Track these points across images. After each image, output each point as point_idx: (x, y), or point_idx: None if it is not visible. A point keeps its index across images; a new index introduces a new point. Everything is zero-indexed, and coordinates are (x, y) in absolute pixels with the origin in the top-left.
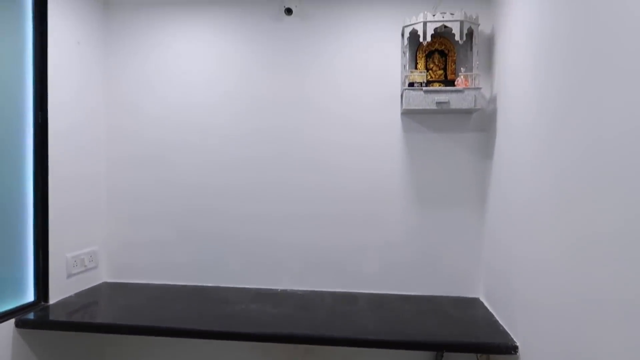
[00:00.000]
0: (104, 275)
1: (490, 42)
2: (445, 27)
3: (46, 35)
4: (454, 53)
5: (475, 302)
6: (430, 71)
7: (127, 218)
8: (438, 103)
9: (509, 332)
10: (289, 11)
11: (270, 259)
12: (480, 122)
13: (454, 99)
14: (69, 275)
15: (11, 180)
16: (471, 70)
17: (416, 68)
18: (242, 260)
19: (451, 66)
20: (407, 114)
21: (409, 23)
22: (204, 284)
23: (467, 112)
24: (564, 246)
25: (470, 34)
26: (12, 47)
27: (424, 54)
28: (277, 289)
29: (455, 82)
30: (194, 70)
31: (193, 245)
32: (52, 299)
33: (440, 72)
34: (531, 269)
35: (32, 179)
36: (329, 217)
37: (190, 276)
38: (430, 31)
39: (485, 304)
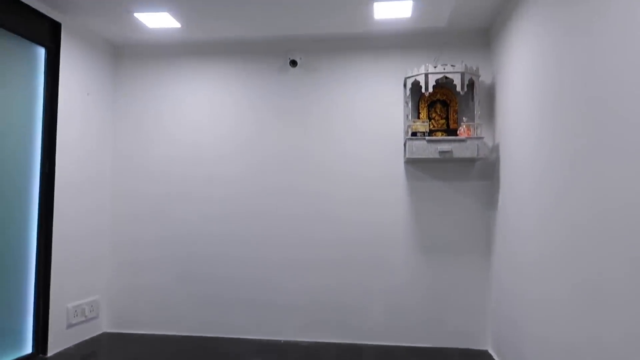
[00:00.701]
0: (104, 325)
1: (491, 92)
2: (447, 78)
3: (57, 86)
4: (456, 103)
5: (484, 356)
6: (432, 120)
7: (129, 268)
8: (441, 152)
9: None
10: (293, 63)
11: (273, 308)
12: (483, 170)
13: (457, 148)
14: (69, 326)
15: (15, 229)
16: (473, 119)
17: (419, 117)
18: (244, 310)
19: (453, 115)
20: (410, 162)
21: (410, 74)
22: (206, 335)
23: (470, 161)
24: (573, 297)
25: (471, 85)
26: (24, 97)
27: (426, 104)
28: (280, 340)
29: (458, 132)
30: (199, 122)
31: (195, 296)
32: (51, 351)
33: (443, 121)
34: (541, 320)
35: (36, 228)
36: (333, 266)
37: (192, 327)
38: (432, 82)
39: (495, 357)
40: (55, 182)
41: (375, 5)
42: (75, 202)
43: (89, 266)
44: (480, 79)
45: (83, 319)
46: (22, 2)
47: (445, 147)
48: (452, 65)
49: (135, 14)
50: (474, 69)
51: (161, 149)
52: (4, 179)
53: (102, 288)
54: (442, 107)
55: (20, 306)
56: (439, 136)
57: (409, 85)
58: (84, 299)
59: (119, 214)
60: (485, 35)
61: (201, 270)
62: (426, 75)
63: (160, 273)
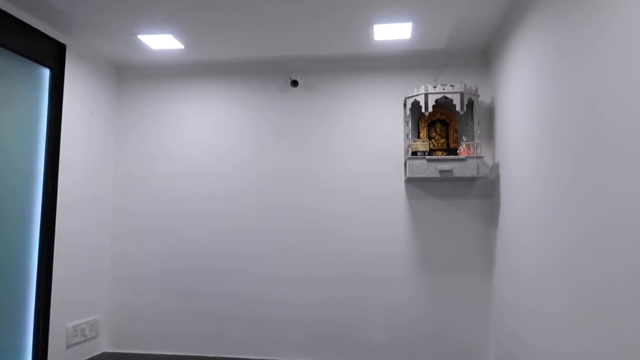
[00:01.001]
0: (104, 344)
1: (490, 112)
2: (446, 98)
3: (61, 106)
4: (456, 122)
5: None
6: (432, 140)
7: (130, 285)
8: (441, 171)
9: None
10: (294, 83)
11: (274, 325)
12: (484, 189)
13: (457, 168)
14: (69, 346)
15: (17, 248)
16: (473, 139)
17: (419, 137)
18: (245, 329)
19: (453, 135)
20: (411, 181)
21: (410, 94)
22: (207, 355)
23: (470, 180)
24: (574, 310)
25: (470, 105)
26: (28, 117)
27: (426, 124)
28: None
29: (458, 151)
30: (201, 140)
31: (195, 313)
32: None
33: (443, 140)
34: (543, 334)
35: (37, 246)
36: (334, 283)
37: (192, 346)
38: (431, 102)
39: None
40: (57, 200)
41: (376, 27)
42: (77, 220)
43: (90, 283)
44: (479, 98)
45: (83, 338)
46: (30, 25)
47: (445, 166)
48: (451, 86)
49: (139, 36)
50: (473, 89)
51: (163, 167)
52: (8, 197)
53: (102, 306)
54: (442, 126)
55: (20, 325)
56: (439, 155)
57: (409, 105)
58: (84, 318)
59: (120, 231)
60: (483, 56)
61: (202, 287)
62: (426, 95)
63: (161, 290)
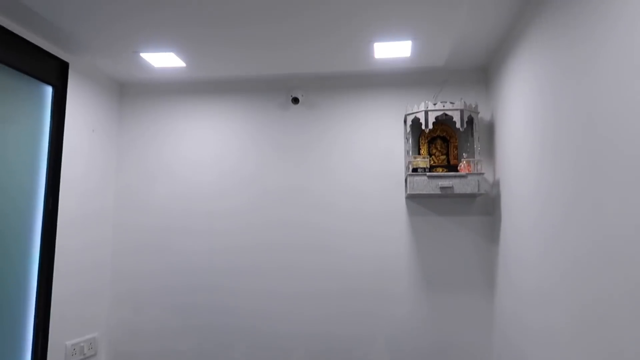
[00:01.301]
0: None
1: (490, 129)
2: (446, 115)
3: (63, 123)
4: (456, 139)
5: None
6: (433, 156)
7: (130, 303)
8: (442, 188)
9: None
10: (295, 100)
11: (275, 341)
12: (484, 206)
13: (458, 184)
14: None
15: (17, 264)
16: (473, 155)
17: (419, 153)
18: (246, 345)
19: (453, 151)
20: (411, 198)
21: (410, 111)
22: None
23: (471, 197)
24: (576, 326)
25: (470, 121)
26: (30, 134)
27: (427, 140)
28: None
29: (458, 167)
30: (202, 157)
31: (196, 331)
32: None
33: (443, 157)
34: (546, 350)
35: (37, 262)
36: (335, 299)
37: None
38: (431, 119)
39: None
40: (58, 217)
41: (376, 45)
42: (78, 237)
43: (89, 300)
44: (479, 115)
45: (81, 357)
46: (33, 44)
47: (446, 182)
48: (451, 103)
49: (142, 54)
50: (473, 106)
51: (164, 183)
52: (10, 213)
53: (101, 323)
54: (443, 143)
55: (19, 343)
56: (440, 172)
57: (409, 122)
58: (83, 335)
59: (121, 247)
60: (483, 73)
61: (202, 303)
62: (426, 112)
63: (161, 306)
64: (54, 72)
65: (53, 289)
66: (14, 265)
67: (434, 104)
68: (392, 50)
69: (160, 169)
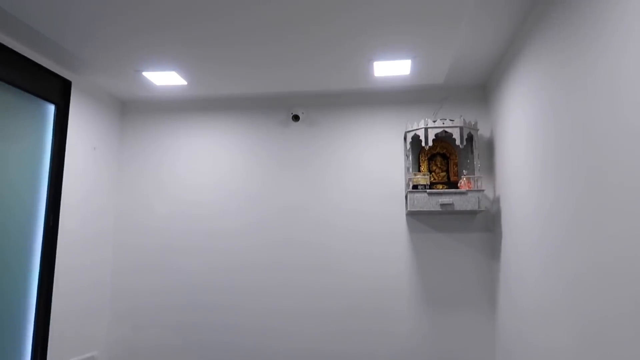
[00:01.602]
0: None
1: (490, 145)
2: (446, 132)
3: (65, 141)
4: (456, 156)
5: None
6: (433, 173)
7: (129, 322)
8: (442, 205)
9: None
10: (296, 118)
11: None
12: (485, 222)
13: (458, 201)
14: None
15: (17, 282)
16: (473, 172)
17: (419, 170)
18: None
19: (453, 168)
20: (412, 215)
21: (410, 129)
22: None
23: (471, 213)
24: (577, 344)
25: (470, 138)
26: (32, 152)
27: (427, 157)
28: None
29: (459, 184)
30: (203, 175)
31: (195, 350)
32: None
33: (443, 174)
34: None
35: (37, 281)
36: (335, 318)
37: None
38: (431, 136)
39: None
40: (58, 234)
41: (375, 64)
42: (78, 255)
43: (89, 319)
44: (478, 132)
45: None
46: (37, 63)
47: (446, 199)
48: (450, 120)
49: (144, 73)
50: (472, 123)
51: (164, 200)
52: (11, 231)
53: (100, 342)
54: (443, 160)
55: None
56: (440, 189)
57: (409, 139)
58: (82, 354)
59: (121, 266)
60: (482, 90)
61: (202, 322)
62: (426, 129)
63: (160, 325)
64: (57, 91)
65: (52, 307)
66: (13, 282)
67: (434, 121)
68: (392, 68)
69: (160, 187)
